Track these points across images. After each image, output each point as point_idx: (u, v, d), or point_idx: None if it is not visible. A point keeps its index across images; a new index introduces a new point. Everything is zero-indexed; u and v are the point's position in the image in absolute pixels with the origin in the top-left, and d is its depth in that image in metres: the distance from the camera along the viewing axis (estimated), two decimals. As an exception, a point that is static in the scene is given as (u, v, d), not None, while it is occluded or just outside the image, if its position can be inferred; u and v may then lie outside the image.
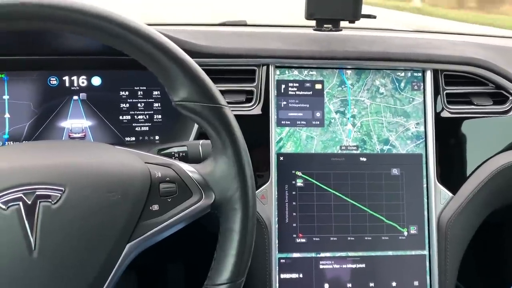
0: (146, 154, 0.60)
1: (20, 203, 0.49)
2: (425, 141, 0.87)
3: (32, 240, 0.48)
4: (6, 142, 0.81)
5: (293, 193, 0.83)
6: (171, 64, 0.54)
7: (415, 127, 0.87)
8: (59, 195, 0.50)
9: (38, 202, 0.49)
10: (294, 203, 0.83)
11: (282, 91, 0.85)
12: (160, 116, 0.86)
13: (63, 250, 0.49)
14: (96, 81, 0.84)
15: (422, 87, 0.88)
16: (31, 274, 0.48)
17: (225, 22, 1.16)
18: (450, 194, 0.86)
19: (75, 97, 0.83)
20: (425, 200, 0.86)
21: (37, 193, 0.50)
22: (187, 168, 0.58)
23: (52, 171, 0.51)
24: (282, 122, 0.85)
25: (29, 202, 0.49)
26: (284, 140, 0.84)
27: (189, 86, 0.55)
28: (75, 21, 0.50)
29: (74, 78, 0.83)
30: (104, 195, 0.52)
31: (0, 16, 0.48)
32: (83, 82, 0.84)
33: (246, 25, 1.15)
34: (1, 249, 0.48)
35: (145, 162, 0.57)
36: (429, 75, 0.88)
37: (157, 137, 0.86)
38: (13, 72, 0.81)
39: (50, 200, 0.50)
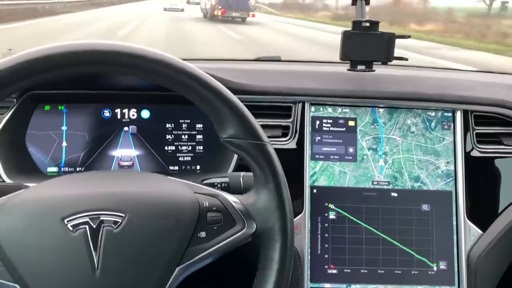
0: (194, 184, 0.65)
1: (87, 226, 0.55)
2: (455, 179, 0.89)
3: (95, 260, 0.54)
4: (62, 169, 0.88)
5: (326, 225, 0.87)
6: (222, 106, 0.60)
7: (445, 166, 0.90)
8: (120, 220, 0.56)
9: (102, 227, 0.55)
10: (326, 234, 0.86)
11: (317, 127, 0.90)
12: (201, 148, 0.92)
13: (121, 270, 0.55)
14: (145, 114, 0.91)
15: (452, 126, 0.91)
16: None
17: (259, 58, 1.22)
18: (480, 232, 0.88)
19: (126, 128, 0.90)
20: (455, 237, 0.88)
21: (101, 218, 0.56)
22: (232, 199, 0.63)
23: (115, 199, 0.57)
24: (316, 156, 0.89)
25: (94, 226, 0.55)
26: (317, 174, 0.88)
27: (236, 124, 0.61)
28: (139, 67, 0.56)
29: (125, 111, 0.91)
30: (159, 222, 0.57)
31: (76, 63, 0.55)
32: (133, 115, 0.91)
33: (280, 60, 1.21)
34: (68, 267, 0.54)
35: (194, 192, 0.62)
36: (459, 115, 0.91)
37: (198, 167, 0.92)
38: (71, 104, 0.89)
39: (112, 225, 0.56)
